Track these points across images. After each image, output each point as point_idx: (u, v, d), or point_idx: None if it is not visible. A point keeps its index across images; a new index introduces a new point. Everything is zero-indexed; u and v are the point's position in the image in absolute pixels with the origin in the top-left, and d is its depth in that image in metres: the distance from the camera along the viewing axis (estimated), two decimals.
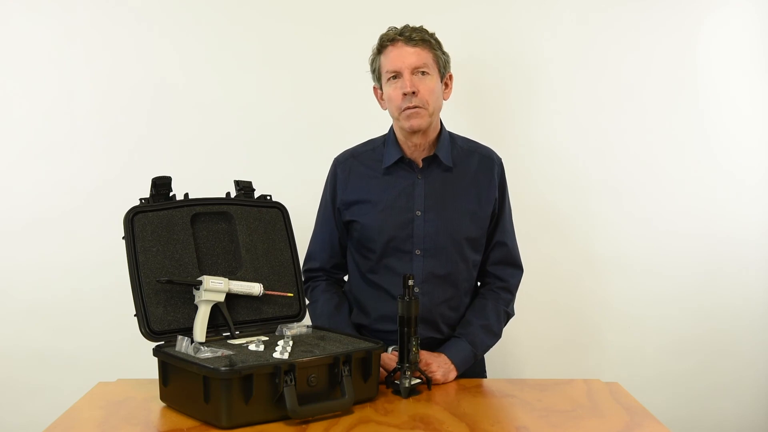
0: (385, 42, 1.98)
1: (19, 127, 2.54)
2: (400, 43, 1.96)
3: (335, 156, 2.14)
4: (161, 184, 1.79)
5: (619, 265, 2.69)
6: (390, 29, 2.00)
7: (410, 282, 1.77)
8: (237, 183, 1.94)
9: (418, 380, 1.79)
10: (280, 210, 1.95)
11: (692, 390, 2.73)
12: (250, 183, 1.95)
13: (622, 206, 2.68)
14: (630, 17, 2.63)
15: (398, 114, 1.97)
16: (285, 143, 2.60)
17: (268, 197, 1.96)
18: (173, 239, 1.77)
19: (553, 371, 2.65)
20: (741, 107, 2.68)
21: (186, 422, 1.59)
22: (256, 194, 1.95)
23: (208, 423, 1.56)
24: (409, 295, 1.77)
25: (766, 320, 2.75)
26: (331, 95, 2.60)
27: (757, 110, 2.69)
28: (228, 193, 1.91)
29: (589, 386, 1.88)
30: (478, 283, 2.15)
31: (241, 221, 1.87)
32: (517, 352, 2.66)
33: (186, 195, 1.84)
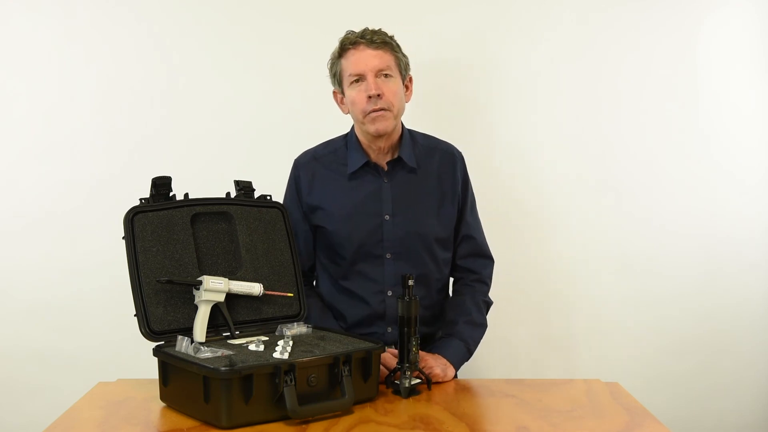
0: (347, 45, 1.98)
1: (20, 128, 2.54)
2: (362, 46, 1.96)
3: (295, 158, 2.12)
4: (161, 184, 1.79)
5: (619, 265, 2.69)
6: (349, 32, 2.00)
7: (410, 282, 1.77)
8: (237, 183, 1.94)
9: (418, 380, 1.79)
10: (280, 210, 1.95)
11: (692, 390, 2.73)
12: (250, 183, 1.95)
13: (622, 206, 2.68)
14: (630, 17, 2.63)
15: (363, 117, 1.96)
16: (285, 143, 2.59)
17: (268, 197, 1.96)
18: (173, 239, 1.77)
19: (553, 371, 2.65)
20: (741, 107, 2.68)
21: (186, 422, 1.59)
22: (256, 194, 1.95)
23: (208, 423, 1.56)
24: (409, 295, 1.76)
25: (766, 320, 2.75)
26: (331, 96, 2.59)
27: (757, 110, 2.69)
28: (228, 193, 1.91)
29: (589, 386, 1.88)
30: (451, 279, 2.15)
31: (241, 221, 1.87)
32: (518, 352, 2.66)
33: (186, 195, 1.84)
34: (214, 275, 1.78)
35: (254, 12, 2.57)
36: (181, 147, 2.56)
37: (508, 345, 2.53)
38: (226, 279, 1.78)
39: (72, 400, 1.75)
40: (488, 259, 2.15)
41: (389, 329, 2.03)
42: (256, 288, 1.82)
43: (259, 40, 2.58)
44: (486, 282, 2.13)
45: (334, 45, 2.57)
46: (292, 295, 1.89)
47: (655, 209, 2.68)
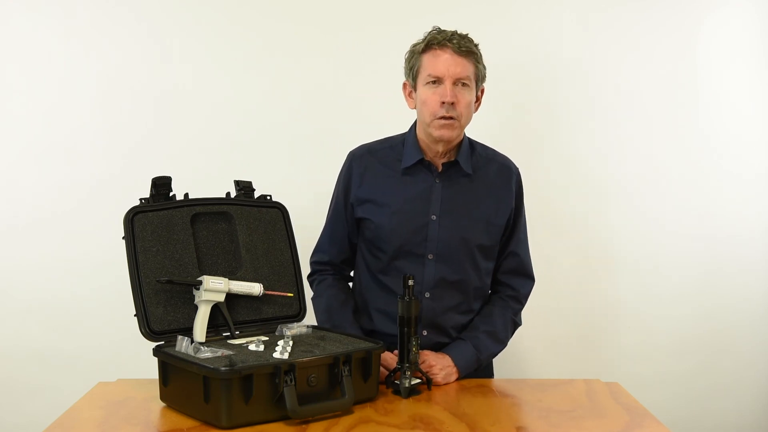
0: (434, 44, 1.93)
1: (19, 128, 2.54)
2: (449, 50, 1.91)
3: (351, 150, 2.10)
4: (161, 184, 1.79)
5: (619, 265, 2.69)
6: (436, 30, 1.95)
7: (410, 282, 1.77)
8: (237, 183, 1.94)
9: (418, 380, 1.79)
10: (280, 210, 1.95)
11: (692, 390, 2.73)
12: (250, 183, 1.95)
13: (622, 206, 2.68)
14: (630, 17, 2.63)
15: (431, 120, 1.93)
16: (285, 143, 2.60)
17: (268, 197, 1.96)
18: (173, 239, 1.77)
19: (553, 371, 2.65)
20: (741, 107, 2.69)
21: (186, 422, 1.59)
22: (256, 194, 1.95)
23: (208, 423, 1.56)
24: (408, 295, 1.76)
25: (766, 320, 2.75)
26: (331, 95, 2.59)
27: (758, 110, 2.70)
28: (228, 193, 1.91)
29: (589, 386, 1.88)
30: (489, 291, 2.14)
31: (241, 221, 1.87)
32: (518, 352, 2.66)
33: (186, 195, 1.84)
34: (214, 275, 1.78)
35: (254, 12, 2.57)
36: (181, 147, 2.56)
37: (509, 345, 2.52)
38: (226, 279, 1.78)
39: (72, 400, 1.75)
40: (529, 279, 2.13)
41: (425, 332, 2.00)
42: (256, 288, 1.82)
43: (259, 40, 2.58)
44: (521, 301, 2.11)
45: (334, 45, 2.58)
46: (292, 295, 1.89)
47: (656, 209, 2.69)
